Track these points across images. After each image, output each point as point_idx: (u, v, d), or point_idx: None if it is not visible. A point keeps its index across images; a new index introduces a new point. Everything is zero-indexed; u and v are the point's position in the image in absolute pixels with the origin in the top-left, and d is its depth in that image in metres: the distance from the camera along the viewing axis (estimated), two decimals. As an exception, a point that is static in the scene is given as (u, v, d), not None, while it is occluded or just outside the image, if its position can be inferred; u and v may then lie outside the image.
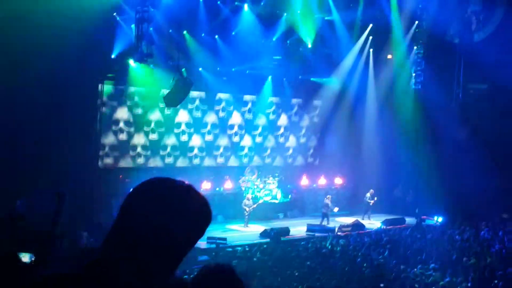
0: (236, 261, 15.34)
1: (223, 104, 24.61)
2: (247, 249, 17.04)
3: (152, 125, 22.48)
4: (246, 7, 22.75)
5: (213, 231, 19.89)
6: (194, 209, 1.72)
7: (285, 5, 23.62)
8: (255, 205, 21.91)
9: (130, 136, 22.04)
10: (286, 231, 20.19)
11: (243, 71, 23.83)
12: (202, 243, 17.85)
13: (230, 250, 17.26)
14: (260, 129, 25.88)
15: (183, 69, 19.88)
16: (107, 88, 21.06)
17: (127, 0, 19.31)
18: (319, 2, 24.26)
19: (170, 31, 20.50)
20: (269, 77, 24.96)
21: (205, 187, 23.13)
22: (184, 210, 1.70)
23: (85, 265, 1.67)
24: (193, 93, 22.88)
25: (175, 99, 20.50)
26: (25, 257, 6.00)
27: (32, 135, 17.74)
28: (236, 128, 25.07)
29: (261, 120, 25.94)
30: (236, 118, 25.04)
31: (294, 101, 26.94)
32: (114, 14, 19.70)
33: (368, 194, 24.04)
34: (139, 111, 22.10)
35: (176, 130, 23.23)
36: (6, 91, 16.98)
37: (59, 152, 18.08)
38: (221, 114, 24.57)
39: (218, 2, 21.94)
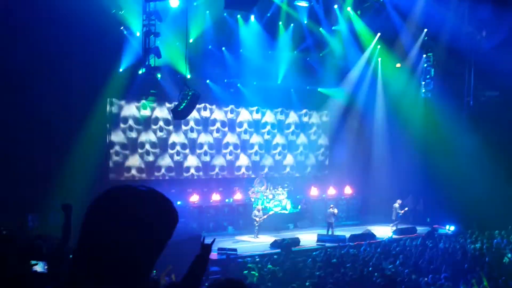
0: (247, 272, 15.28)
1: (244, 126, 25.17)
2: (257, 259, 16.95)
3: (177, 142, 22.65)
4: (252, 18, 22.83)
5: (224, 242, 19.86)
6: (152, 215, 1.66)
7: (291, 16, 23.66)
8: (265, 216, 21.83)
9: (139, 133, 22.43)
10: (296, 241, 20.09)
11: (250, 82, 23.97)
12: (213, 254, 17.83)
13: (240, 261, 17.17)
14: (279, 148, 26.27)
15: (188, 76, 19.86)
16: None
17: (134, 14, 19.45)
18: (326, 12, 24.27)
19: (177, 44, 20.58)
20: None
21: (214, 198, 23.21)
22: (141, 218, 1.64)
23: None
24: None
25: (183, 112, 20.51)
26: (39, 267, 5.98)
27: (43, 148, 17.90)
28: (256, 148, 25.56)
29: (279, 139, 26.41)
30: (255, 139, 25.53)
31: (301, 112, 27.04)
32: (122, 28, 19.87)
33: (396, 205, 23.89)
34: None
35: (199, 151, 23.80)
36: (17, 110, 17.26)
37: (70, 165, 18.24)
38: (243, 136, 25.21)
39: (225, 14, 22.01)
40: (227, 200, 23.79)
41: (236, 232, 22.58)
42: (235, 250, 18.32)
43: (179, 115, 20.78)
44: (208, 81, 22.88)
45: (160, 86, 20.31)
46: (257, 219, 21.50)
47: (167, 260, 14.38)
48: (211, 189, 23.62)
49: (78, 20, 17.21)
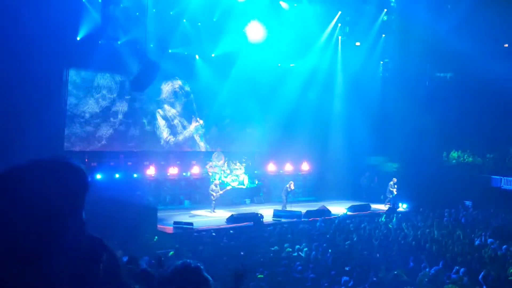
0: (202, 246, 15.31)
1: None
2: (213, 234, 17.01)
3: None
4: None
5: (180, 216, 19.83)
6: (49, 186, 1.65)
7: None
8: (222, 191, 21.85)
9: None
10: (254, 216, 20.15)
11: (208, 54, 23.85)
12: (168, 228, 17.82)
13: (196, 235, 17.18)
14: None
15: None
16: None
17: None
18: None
19: (137, 13, 20.18)
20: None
21: (172, 172, 23.08)
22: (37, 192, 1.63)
23: None
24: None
25: (143, 83, 20.23)
26: None
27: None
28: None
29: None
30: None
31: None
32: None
33: (391, 183, 24.48)
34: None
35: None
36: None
37: (23, 136, 17.65)
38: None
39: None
40: (184, 174, 23.67)
41: (192, 206, 22.56)
42: (191, 224, 18.27)
43: (138, 86, 20.51)
44: (170, 50, 22.54)
45: (120, 55, 19.93)
46: (214, 194, 21.49)
47: (122, 231, 14.38)
48: (168, 163, 23.47)
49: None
